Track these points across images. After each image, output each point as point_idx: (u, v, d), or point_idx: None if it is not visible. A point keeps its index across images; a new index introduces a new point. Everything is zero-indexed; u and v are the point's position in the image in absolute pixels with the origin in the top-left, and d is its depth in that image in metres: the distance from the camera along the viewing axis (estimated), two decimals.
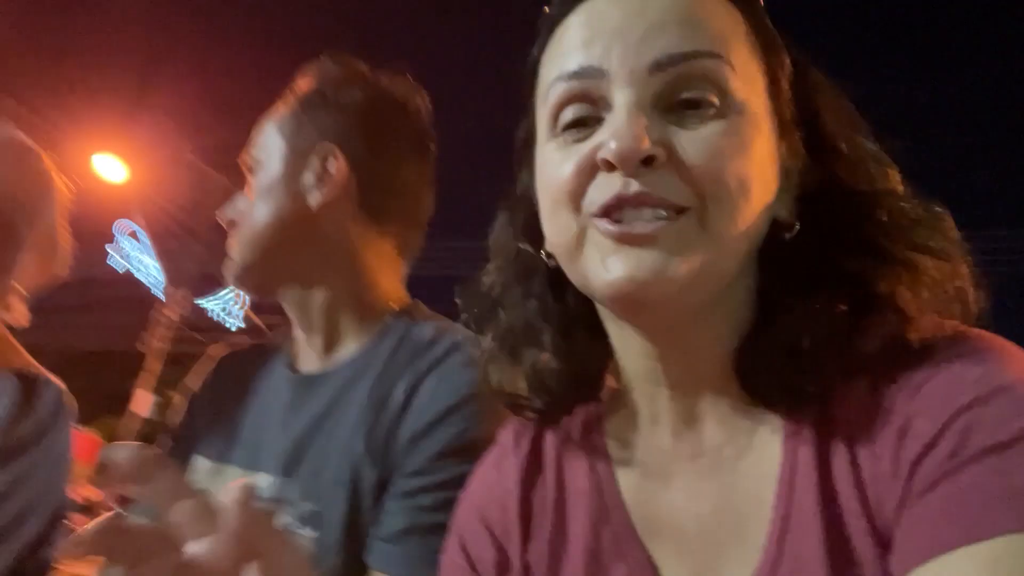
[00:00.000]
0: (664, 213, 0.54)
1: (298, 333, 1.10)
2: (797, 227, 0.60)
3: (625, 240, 0.54)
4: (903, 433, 0.52)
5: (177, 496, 0.46)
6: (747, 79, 0.57)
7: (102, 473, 0.44)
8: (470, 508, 0.73)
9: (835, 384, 0.56)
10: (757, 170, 0.56)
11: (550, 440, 0.71)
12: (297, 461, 0.97)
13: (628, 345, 0.64)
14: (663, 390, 0.63)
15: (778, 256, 0.60)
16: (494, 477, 0.73)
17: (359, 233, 1.05)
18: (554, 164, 0.60)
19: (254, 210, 1.04)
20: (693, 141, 0.55)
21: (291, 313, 1.09)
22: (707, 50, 0.56)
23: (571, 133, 0.59)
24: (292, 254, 1.04)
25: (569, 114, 0.59)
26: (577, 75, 0.58)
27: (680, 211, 0.54)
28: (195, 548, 0.45)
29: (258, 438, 1.04)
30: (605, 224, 0.55)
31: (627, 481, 0.65)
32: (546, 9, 0.63)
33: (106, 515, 0.43)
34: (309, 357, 1.08)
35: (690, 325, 0.59)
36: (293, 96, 1.09)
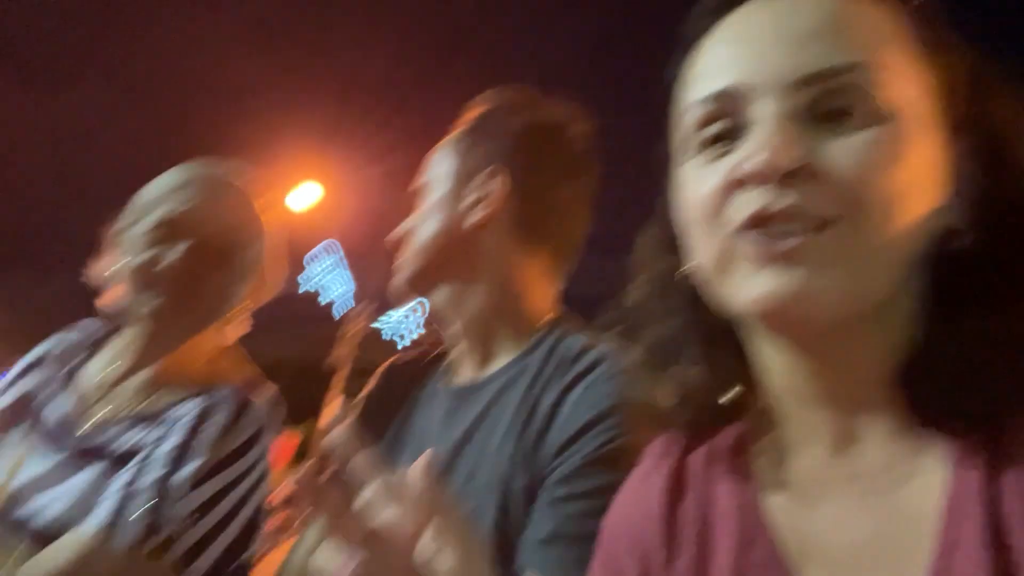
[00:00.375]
0: (818, 225, 0.52)
1: (455, 347, 1.17)
2: (970, 236, 0.55)
3: (769, 258, 0.53)
4: None
5: (371, 471, 0.56)
6: (902, 85, 0.55)
7: (319, 453, 0.57)
8: (616, 523, 0.73)
9: (1011, 405, 0.52)
10: (913, 178, 0.54)
11: (696, 457, 0.70)
12: (452, 468, 1.02)
13: (775, 362, 0.61)
14: (816, 409, 0.60)
15: (951, 266, 0.56)
16: (640, 493, 0.72)
17: (514, 249, 1.12)
18: (694, 182, 0.59)
19: (423, 224, 1.14)
20: (842, 151, 0.53)
21: (449, 324, 1.16)
22: (854, 62, 0.54)
23: (711, 150, 0.58)
24: (452, 265, 1.12)
25: (709, 131, 0.58)
26: (718, 97, 0.57)
27: (826, 223, 0.52)
28: (384, 516, 0.54)
29: (420, 447, 1.08)
30: (749, 238, 0.54)
31: (775, 502, 0.63)
32: (687, 25, 0.64)
33: (316, 467, 0.54)
34: (465, 369, 1.15)
35: (844, 340, 0.56)
36: (464, 121, 1.18)
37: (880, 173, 0.52)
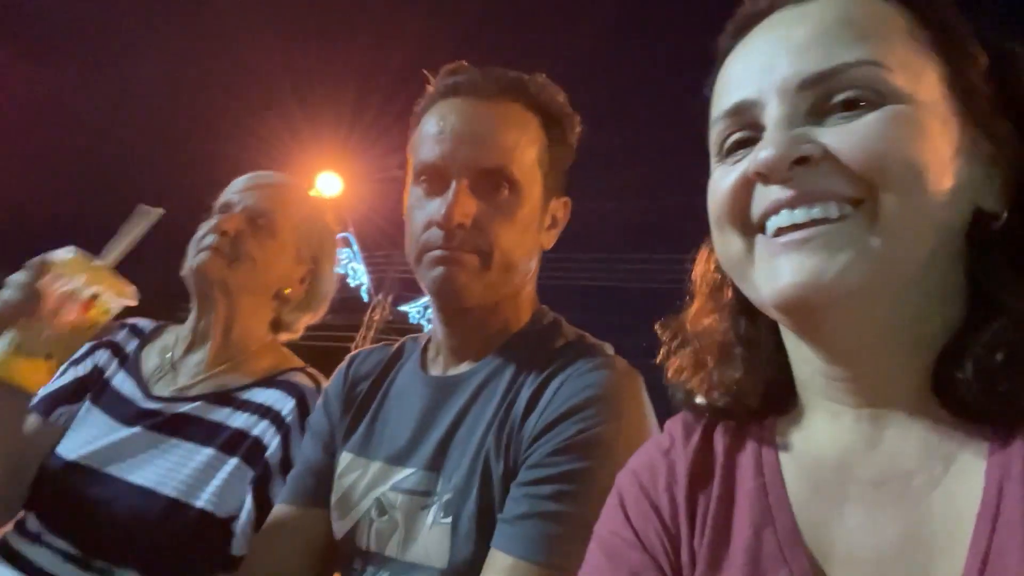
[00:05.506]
0: (833, 209, 0.53)
1: (439, 338, 1.13)
2: (1005, 217, 0.55)
3: (784, 248, 0.55)
4: None
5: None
6: (910, 75, 0.55)
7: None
8: (634, 487, 0.71)
9: None
10: (932, 157, 0.53)
11: (720, 437, 0.69)
12: (441, 457, 1.01)
13: (806, 360, 0.62)
14: (846, 409, 0.59)
15: (991, 251, 0.56)
16: (661, 464, 0.70)
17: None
18: (715, 184, 0.62)
19: (512, 235, 1.03)
20: (849, 134, 0.54)
21: (447, 322, 1.10)
22: (855, 60, 0.55)
23: (733, 156, 0.61)
24: (513, 282, 1.07)
25: (731, 140, 0.62)
26: (734, 111, 0.61)
27: (852, 204, 0.53)
28: None
29: (401, 435, 1.07)
30: (767, 238, 0.57)
31: (797, 490, 0.61)
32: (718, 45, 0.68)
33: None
34: (446, 360, 1.12)
35: (875, 337, 0.56)
36: (553, 123, 1.09)
37: (892, 148, 0.53)
